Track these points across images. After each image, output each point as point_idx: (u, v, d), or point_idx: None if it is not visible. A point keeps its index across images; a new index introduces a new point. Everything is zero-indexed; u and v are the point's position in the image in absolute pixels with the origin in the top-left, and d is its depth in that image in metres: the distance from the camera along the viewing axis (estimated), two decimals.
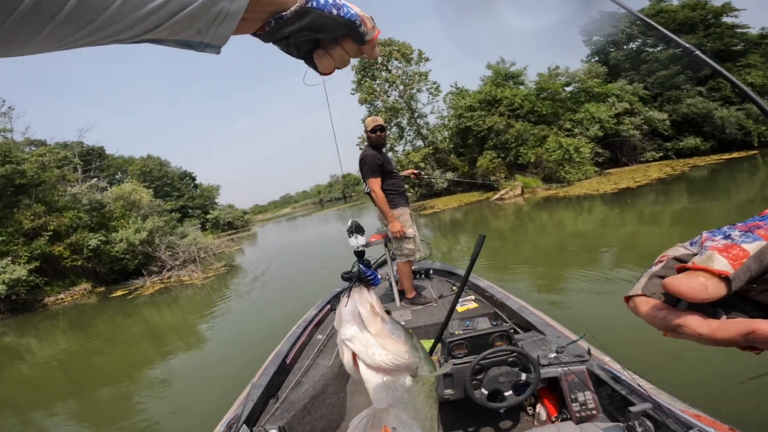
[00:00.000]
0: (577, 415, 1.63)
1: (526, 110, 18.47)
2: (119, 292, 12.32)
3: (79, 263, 13.74)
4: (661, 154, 17.80)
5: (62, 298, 12.91)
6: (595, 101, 19.01)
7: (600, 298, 4.27)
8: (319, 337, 2.71)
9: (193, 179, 41.79)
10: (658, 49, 20.98)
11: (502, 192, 15.98)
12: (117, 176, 33.62)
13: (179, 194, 37.32)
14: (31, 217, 13.38)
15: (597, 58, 23.12)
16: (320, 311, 3.09)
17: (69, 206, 14.73)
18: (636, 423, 1.24)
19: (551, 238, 8.29)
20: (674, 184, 11.83)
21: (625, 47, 22.65)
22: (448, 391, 1.75)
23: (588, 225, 8.82)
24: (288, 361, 2.29)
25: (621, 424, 1.31)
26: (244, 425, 1.63)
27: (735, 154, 14.98)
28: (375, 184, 3.00)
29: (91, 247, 13.84)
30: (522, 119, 18.42)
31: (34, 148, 18.56)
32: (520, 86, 20.64)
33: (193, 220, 30.68)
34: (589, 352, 1.74)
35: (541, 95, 19.35)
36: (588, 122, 18.09)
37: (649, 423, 1.25)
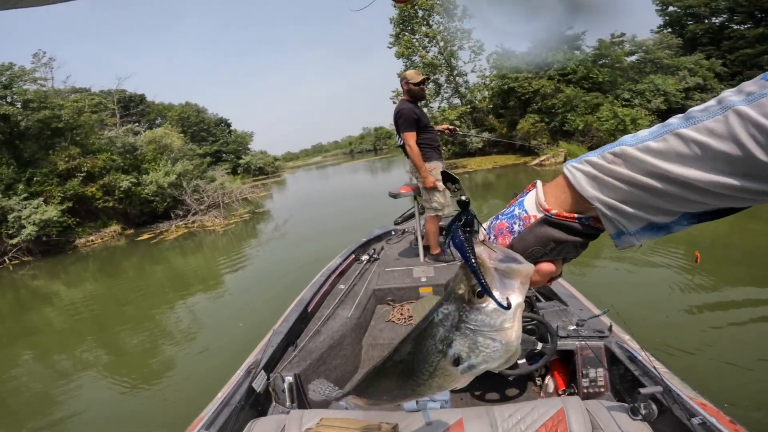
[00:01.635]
0: (585, 391, 1.63)
1: (580, 76, 16.77)
2: (145, 236, 12.64)
3: (111, 204, 14.11)
4: None
5: (92, 240, 13.33)
6: (662, 73, 16.97)
7: (632, 277, 4.00)
8: (341, 287, 2.72)
9: (229, 125, 42.74)
10: (747, 26, 18.70)
11: (543, 158, 14.83)
12: (157, 121, 34.81)
13: (214, 139, 38.55)
14: (66, 159, 13.70)
15: (670, 29, 20.66)
16: (344, 260, 3.07)
17: (103, 149, 15.03)
18: (641, 405, 1.23)
19: None
20: None
21: (706, 21, 20.09)
22: None
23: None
24: (309, 309, 2.32)
25: (626, 405, 1.29)
26: (263, 371, 1.69)
27: None
28: (410, 137, 2.95)
29: (122, 189, 14.17)
30: (574, 85, 16.85)
31: (76, 95, 18.90)
32: (576, 51, 18.69)
33: (225, 165, 31.62)
34: (610, 329, 1.70)
35: (599, 62, 17.43)
36: (651, 94, 16.34)
37: (654, 406, 1.24)
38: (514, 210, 0.43)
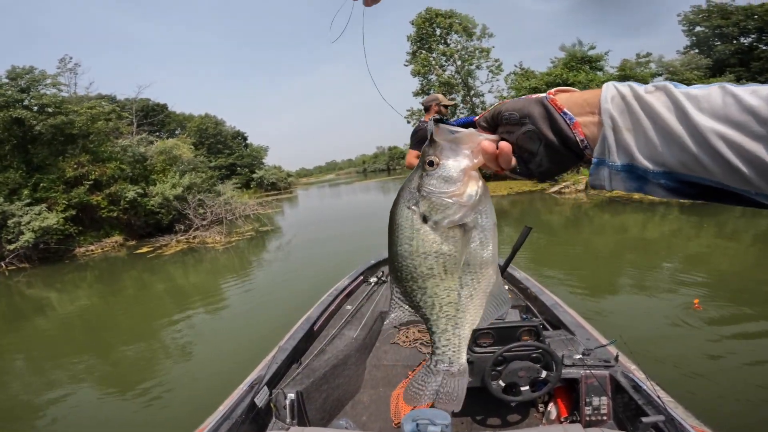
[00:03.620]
0: (587, 418, 1.65)
1: None
2: (144, 249, 12.32)
3: (115, 214, 13.92)
4: None
5: (92, 250, 13.12)
6: None
7: (645, 310, 3.99)
8: (348, 307, 2.74)
9: (245, 139, 43.49)
10: None
11: (562, 185, 13.94)
12: (177, 132, 35.37)
13: (230, 152, 39.06)
14: (75, 166, 13.62)
15: (697, 50, 20.03)
16: (352, 282, 3.10)
17: (113, 157, 14.90)
18: None
19: (607, 242, 7.55)
20: None
21: (734, 41, 19.37)
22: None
23: (655, 234, 7.61)
24: (315, 328, 2.34)
25: None
26: (265, 386, 1.72)
27: None
28: (410, 155, 2.98)
29: (128, 199, 13.95)
30: None
31: (110, 104, 18.97)
32: (598, 72, 18.08)
33: (238, 178, 31.82)
34: (616, 358, 1.71)
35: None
36: None
37: None
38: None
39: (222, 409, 1.58)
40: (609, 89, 0.38)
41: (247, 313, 5.38)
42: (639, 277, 5.06)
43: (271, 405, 1.75)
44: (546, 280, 3.91)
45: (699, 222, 7.73)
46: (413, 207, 0.47)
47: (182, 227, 13.78)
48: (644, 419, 1.28)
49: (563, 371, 1.67)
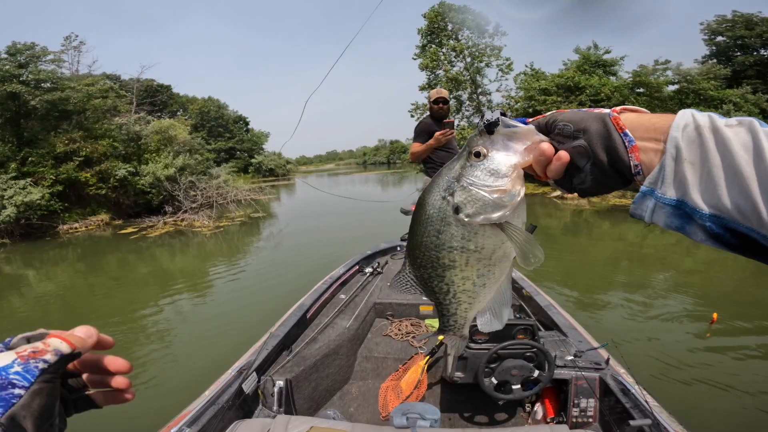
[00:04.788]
0: (574, 420, 1.66)
1: (614, 103, 15.53)
2: (129, 229, 12.00)
3: (104, 192, 13.57)
4: None
5: (76, 228, 12.74)
6: (704, 105, 15.59)
7: (637, 317, 4.07)
8: (342, 296, 2.73)
9: (247, 123, 43.32)
10: None
11: None
12: (179, 113, 35.45)
13: (230, 136, 39.03)
14: (66, 141, 13.27)
15: (716, 60, 19.38)
16: (348, 271, 3.09)
17: (107, 135, 14.59)
18: None
19: (605, 250, 7.46)
20: None
21: (755, 53, 18.72)
22: (459, 374, 1.79)
23: (653, 244, 7.43)
24: (308, 315, 2.32)
25: None
26: (254, 373, 1.69)
27: None
28: (414, 146, 3.03)
29: (118, 177, 13.63)
30: None
31: (109, 81, 19.23)
32: (611, 77, 17.55)
33: (236, 162, 31.92)
34: (607, 362, 1.72)
35: (637, 89, 16.20)
36: None
37: None
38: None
39: (208, 394, 1.54)
40: (684, 116, 0.35)
41: (236, 300, 5.25)
42: (634, 285, 5.08)
43: (259, 392, 1.73)
44: (540, 283, 3.72)
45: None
46: (448, 197, 0.45)
47: (171, 209, 13.45)
48: (631, 422, 1.29)
49: (555, 371, 1.68)
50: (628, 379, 1.63)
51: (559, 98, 16.58)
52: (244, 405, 1.61)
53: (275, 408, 1.72)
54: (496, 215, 0.43)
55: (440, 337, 2.19)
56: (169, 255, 8.99)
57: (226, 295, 5.62)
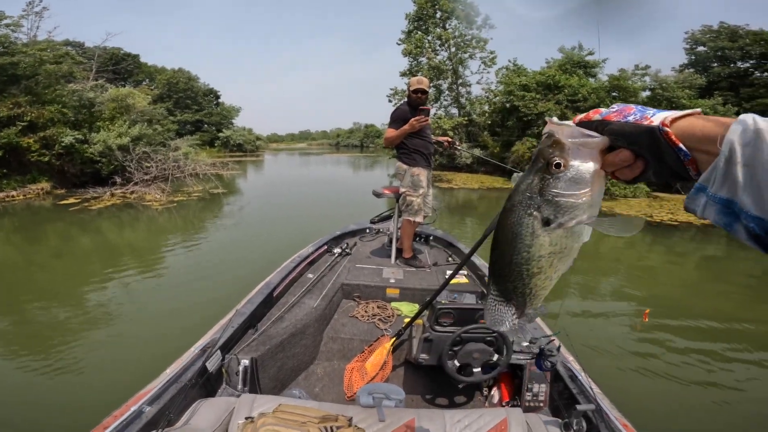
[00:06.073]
0: (527, 404, 1.74)
1: (590, 104, 15.58)
2: (71, 200, 11.00)
3: (47, 159, 12.42)
4: None
5: (14, 196, 11.60)
6: None
7: (587, 312, 4.34)
8: (310, 276, 2.72)
9: (217, 97, 41.95)
10: None
11: None
12: (144, 82, 34.30)
13: (199, 108, 37.60)
14: (11, 106, 12.10)
15: (693, 69, 19.79)
16: (316, 250, 3.09)
17: (57, 100, 13.43)
18: (574, 421, 1.32)
19: None
20: None
21: (732, 65, 19.28)
22: (424, 356, 1.86)
23: (609, 246, 7.43)
24: (275, 294, 2.30)
25: (560, 420, 1.37)
26: (219, 351, 1.65)
27: None
28: (388, 131, 3.08)
29: (64, 144, 12.48)
30: (581, 113, 15.65)
31: (71, 48, 18.44)
32: (591, 78, 17.62)
33: (203, 135, 31.24)
34: (558, 349, 1.79)
35: (613, 93, 16.31)
36: None
37: (584, 423, 1.33)
38: (648, 110, 0.43)
39: (169, 372, 1.50)
40: (746, 120, 0.35)
41: (192, 278, 5.02)
42: (587, 283, 5.28)
43: (223, 370, 1.70)
44: None
45: (652, 241, 7.90)
46: (534, 213, 0.47)
47: (121, 180, 12.53)
48: (578, 407, 1.35)
49: (512, 357, 1.77)
50: (576, 367, 1.73)
51: (538, 95, 16.52)
52: (207, 384, 1.58)
53: (240, 387, 1.70)
54: (586, 217, 0.45)
55: (406, 320, 2.13)
56: (117, 229, 8.29)
57: (181, 272, 5.34)
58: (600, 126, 0.43)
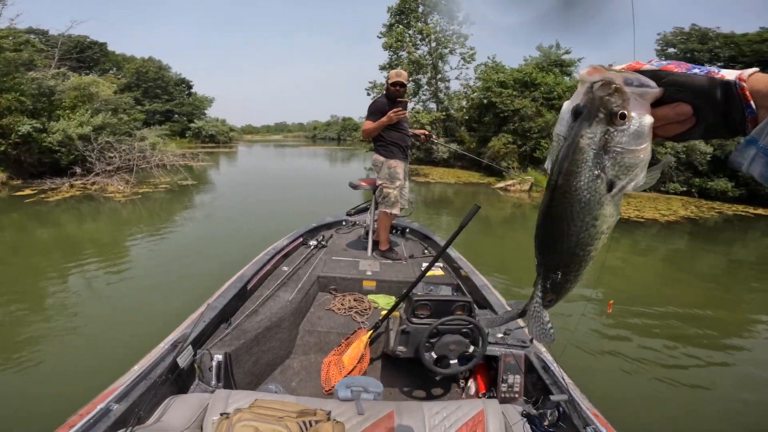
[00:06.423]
0: (503, 395, 1.76)
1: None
2: (27, 191, 10.34)
3: (2, 148, 11.63)
4: (685, 188, 15.21)
5: None
6: None
7: (558, 304, 3.64)
8: (285, 268, 2.69)
9: (190, 87, 40.52)
10: None
11: (509, 182, 14.00)
12: (111, 71, 33.14)
13: (169, 98, 36.42)
14: None
15: None
16: (291, 242, 3.07)
17: (14, 88, 12.59)
18: (548, 411, 1.37)
19: None
20: (718, 233, 9.61)
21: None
22: (401, 348, 1.86)
23: None
24: (249, 287, 2.26)
25: (534, 411, 1.40)
26: (190, 346, 1.62)
27: (761, 210, 12.79)
28: (366, 124, 3.08)
29: (20, 133, 11.70)
30: (557, 111, 16.01)
31: (33, 36, 18.07)
32: (566, 77, 18.04)
33: (173, 125, 30.64)
34: (531, 340, 1.84)
35: None
36: None
37: (557, 413, 1.38)
38: (702, 67, 0.40)
39: (138, 368, 1.43)
40: None
41: (159, 273, 4.82)
42: None
43: (195, 366, 1.65)
44: (477, 264, 3.76)
45: (618, 237, 8.14)
46: (601, 174, 0.40)
47: (81, 171, 11.90)
48: (551, 397, 1.39)
49: (487, 348, 1.78)
50: (548, 357, 1.77)
51: (515, 92, 16.77)
52: (179, 380, 1.53)
53: (213, 383, 1.66)
54: (641, 177, 0.40)
55: (383, 312, 2.13)
56: (77, 221, 7.84)
57: (148, 266, 5.11)
58: (656, 76, 0.39)
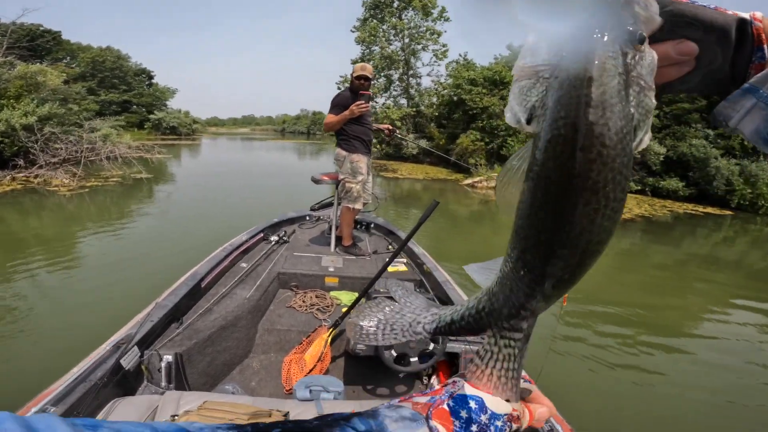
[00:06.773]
0: None
1: None
2: None
3: None
4: (639, 187, 15.94)
5: None
6: None
7: None
8: (243, 265, 2.61)
9: (150, 78, 39.18)
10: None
11: (476, 179, 14.18)
12: (65, 60, 31.75)
13: (127, 88, 35.12)
14: None
15: None
16: (251, 238, 2.99)
17: None
18: None
19: (503, 240, 7.42)
20: (672, 230, 10.15)
21: None
22: (361, 346, 1.85)
23: None
24: (203, 285, 2.19)
25: None
26: (135, 346, 1.55)
27: (710, 209, 13.61)
28: (328, 117, 3.03)
29: None
30: None
31: None
32: None
33: (131, 116, 29.71)
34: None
35: None
36: None
37: None
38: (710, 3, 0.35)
39: (76, 371, 1.33)
40: None
41: (107, 271, 4.56)
42: None
43: (143, 367, 1.56)
44: (440, 261, 3.74)
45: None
46: (635, 115, 0.28)
47: (23, 163, 11.13)
48: None
49: (447, 345, 1.79)
50: None
51: (484, 90, 17.04)
52: (124, 382, 1.46)
53: (164, 384, 1.59)
54: (650, 120, 0.30)
55: (343, 309, 2.11)
56: (19, 216, 7.28)
57: (95, 264, 4.85)
58: (666, 6, 0.31)
